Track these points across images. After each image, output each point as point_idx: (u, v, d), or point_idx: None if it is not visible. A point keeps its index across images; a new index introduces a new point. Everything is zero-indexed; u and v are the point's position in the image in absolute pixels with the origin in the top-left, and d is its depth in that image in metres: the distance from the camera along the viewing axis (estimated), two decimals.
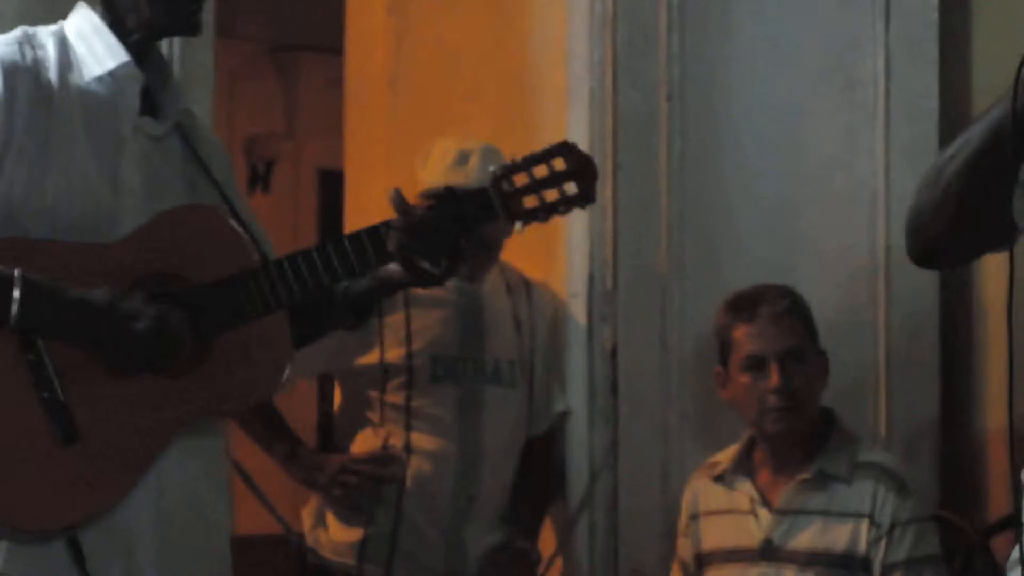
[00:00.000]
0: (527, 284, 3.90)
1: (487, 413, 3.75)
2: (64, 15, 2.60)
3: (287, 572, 4.00)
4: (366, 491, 3.67)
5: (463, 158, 3.67)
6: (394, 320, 3.70)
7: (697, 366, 3.88)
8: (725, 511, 3.49)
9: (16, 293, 2.36)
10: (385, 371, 3.70)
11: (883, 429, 4.06)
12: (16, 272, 2.37)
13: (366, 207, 4.34)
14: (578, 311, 3.95)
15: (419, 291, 3.47)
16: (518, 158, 2.60)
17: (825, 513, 3.38)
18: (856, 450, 3.43)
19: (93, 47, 2.53)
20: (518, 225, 2.61)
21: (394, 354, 3.70)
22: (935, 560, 3.37)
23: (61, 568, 2.40)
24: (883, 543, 3.33)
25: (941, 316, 4.12)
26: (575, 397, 3.94)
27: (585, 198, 2.60)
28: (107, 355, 2.44)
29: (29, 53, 2.50)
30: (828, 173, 4.10)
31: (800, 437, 3.42)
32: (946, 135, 4.01)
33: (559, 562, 3.95)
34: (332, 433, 3.89)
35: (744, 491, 3.46)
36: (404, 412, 3.70)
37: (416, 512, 3.68)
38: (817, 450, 3.41)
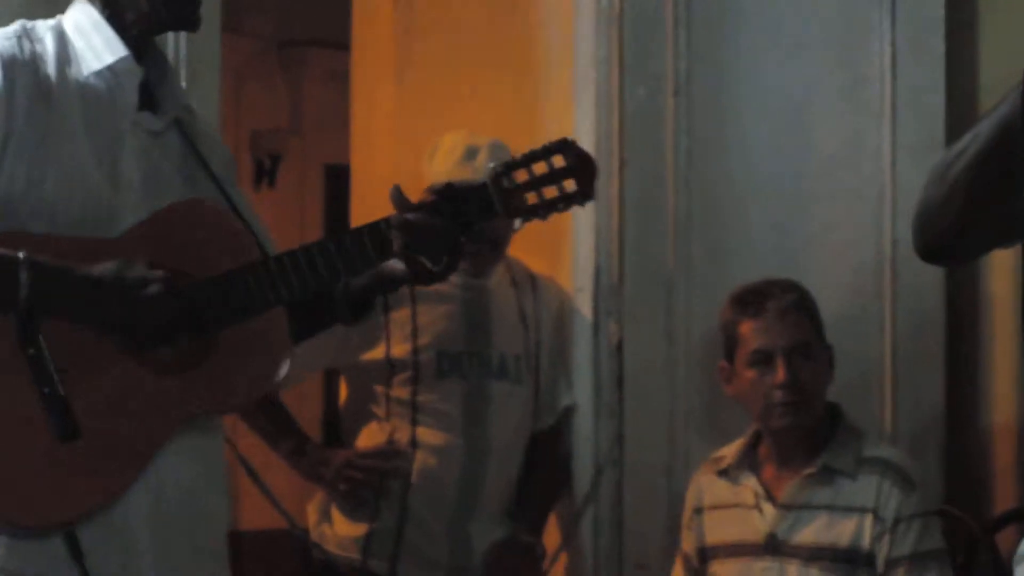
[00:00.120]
0: (533, 279, 3.90)
1: (493, 408, 3.75)
2: (64, 10, 2.58)
3: (292, 567, 4.00)
4: (371, 486, 3.68)
5: (471, 154, 3.68)
6: (400, 315, 3.70)
7: (703, 361, 3.88)
8: (730, 505, 3.49)
9: (23, 274, 2.33)
10: (391, 366, 3.70)
11: (889, 424, 4.06)
12: (21, 254, 2.34)
13: (372, 202, 4.34)
14: (584, 306, 3.96)
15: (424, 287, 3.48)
16: (518, 155, 2.60)
17: (830, 508, 3.37)
18: (862, 445, 3.43)
19: (92, 41, 2.51)
20: (517, 222, 2.62)
21: (400, 349, 3.70)
22: (939, 555, 3.37)
23: (59, 564, 2.38)
24: (887, 538, 3.32)
25: (947, 311, 4.12)
26: (581, 392, 3.94)
27: (584, 195, 2.60)
28: (120, 328, 2.42)
29: (28, 47, 2.48)
30: (835, 169, 4.10)
31: (806, 432, 3.42)
32: (953, 131, 4.01)
33: (564, 556, 3.95)
34: (338, 428, 3.89)
35: (749, 486, 3.46)
36: (410, 407, 3.70)
37: (421, 507, 3.68)
38: (823, 445, 3.41)
